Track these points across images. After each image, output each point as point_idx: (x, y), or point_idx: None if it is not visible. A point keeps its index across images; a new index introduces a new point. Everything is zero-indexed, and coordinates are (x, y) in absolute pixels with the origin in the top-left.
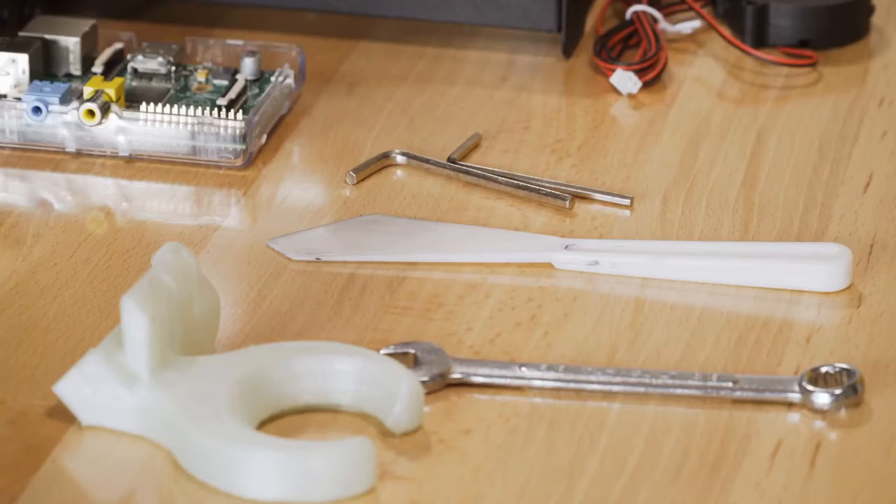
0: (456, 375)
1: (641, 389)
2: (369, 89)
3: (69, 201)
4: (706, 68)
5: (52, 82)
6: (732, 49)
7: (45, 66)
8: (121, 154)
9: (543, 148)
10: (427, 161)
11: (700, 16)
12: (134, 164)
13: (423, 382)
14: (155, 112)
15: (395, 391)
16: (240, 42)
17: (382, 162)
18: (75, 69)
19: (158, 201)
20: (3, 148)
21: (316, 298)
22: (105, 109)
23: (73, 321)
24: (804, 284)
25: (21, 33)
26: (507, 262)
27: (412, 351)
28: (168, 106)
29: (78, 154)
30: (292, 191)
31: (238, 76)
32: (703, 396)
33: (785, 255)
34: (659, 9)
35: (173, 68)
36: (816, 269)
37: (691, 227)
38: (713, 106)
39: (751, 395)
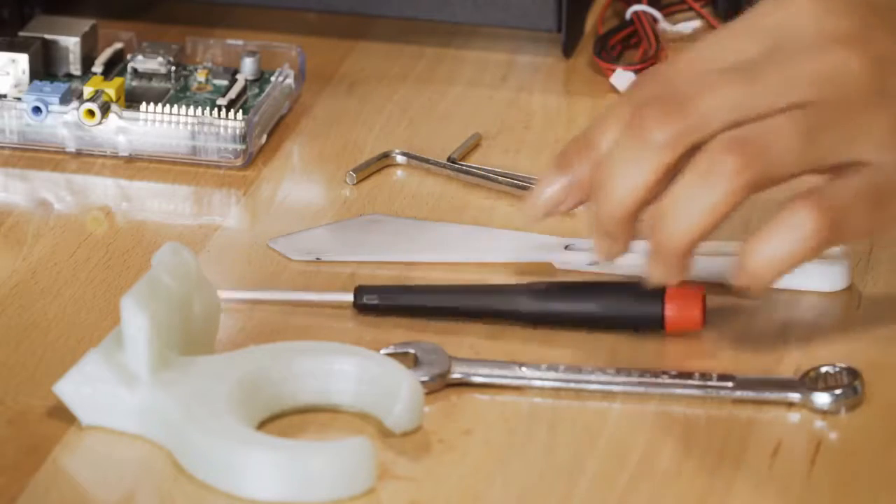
0: (456, 375)
1: (641, 389)
2: (369, 89)
3: (69, 201)
4: None
5: (52, 82)
6: None
7: (45, 66)
8: (121, 154)
9: (543, 148)
10: (427, 161)
11: (700, 16)
12: (134, 164)
13: (423, 382)
14: (155, 112)
15: (395, 391)
16: (240, 42)
17: (382, 162)
18: (75, 69)
19: (158, 201)
20: (3, 148)
21: None
22: (105, 109)
23: (73, 321)
24: (804, 284)
25: (21, 33)
26: (507, 261)
27: (412, 351)
28: (168, 106)
29: (78, 154)
30: (292, 191)
31: (238, 76)
32: (703, 396)
33: None
34: (659, 9)
35: (173, 68)
36: (816, 268)
37: None
38: None
39: (751, 395)
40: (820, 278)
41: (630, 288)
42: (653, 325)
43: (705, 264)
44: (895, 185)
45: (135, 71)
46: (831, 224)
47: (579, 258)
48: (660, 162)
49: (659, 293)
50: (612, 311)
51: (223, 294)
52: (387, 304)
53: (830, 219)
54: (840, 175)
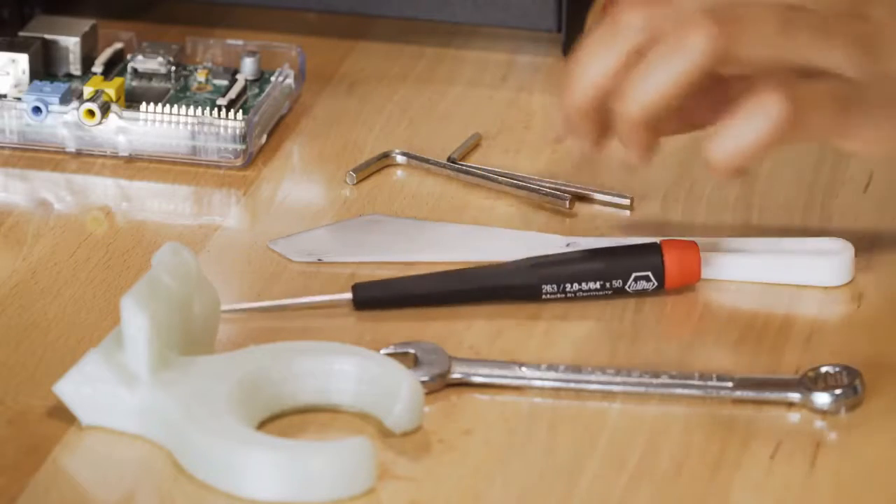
0: (456, 375)
1: (641, 389)
2: (369, 89)
3: (69, 201)
4: None
5: (52, 82)
6: None
7: (45, 66)
8: (121, 154)
9: (543, 148)
10: (427, 161)
11: None
12: (134, 164)
13: (423, 382)
14: (155, 112)
15: (395, 391)
16: (240, 42)
17: (382, 162)
18: (75, 69)
19: (158, 201)
20: (3, 148)
21: None
22: (105, 109)
23: (73, 321)
24: (806, 279)
25: (21, 33)
26: (508, 261)
27: (412, 351)
28: (168, 106)
29: (78, 154)
30: (292, 191)
31: (238, 76)
32: (703, 396)
33: (786, 251)
34: None
35: (173, 68)
36: (818, 263)
37: (691, 227)
38: None
39: (751, 395)
40: (822, 272)
41: (626, 249)
42: (654, 272)
43: (706, 261)
44: (859, 97)
45: (135, 71)
46: (797, 115)
47: None
48: (629, 44)
49: (656, 250)
50: (612, 270)
51: (223, 307)
52: (386, 294)
53: (796, 110)
54: (809, 78)
